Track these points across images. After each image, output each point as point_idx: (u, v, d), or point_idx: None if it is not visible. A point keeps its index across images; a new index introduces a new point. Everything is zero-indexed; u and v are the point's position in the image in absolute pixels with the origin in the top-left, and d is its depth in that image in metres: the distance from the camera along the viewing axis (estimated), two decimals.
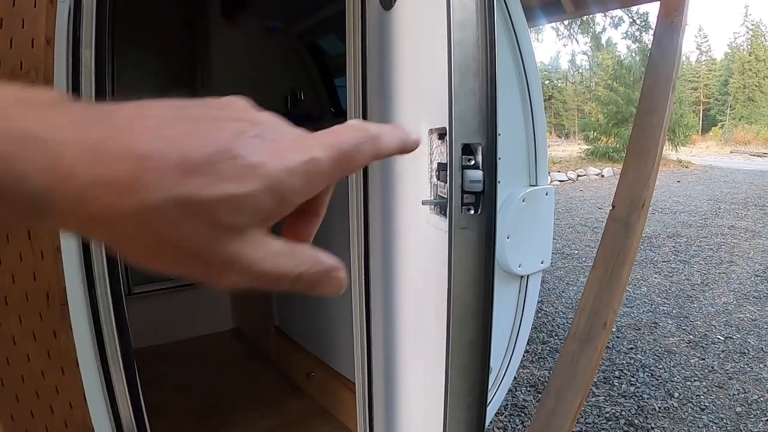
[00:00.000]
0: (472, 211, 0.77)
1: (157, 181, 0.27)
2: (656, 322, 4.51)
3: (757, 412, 3.06)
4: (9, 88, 0.29)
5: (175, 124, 0.30)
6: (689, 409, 3.13)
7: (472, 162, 0.77)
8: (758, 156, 23.45)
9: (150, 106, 0.31)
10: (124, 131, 0.29)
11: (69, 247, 1.27)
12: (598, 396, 3.31)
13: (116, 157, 0.27)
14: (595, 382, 3.44)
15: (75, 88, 1.47)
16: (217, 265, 0.30)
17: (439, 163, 0.82)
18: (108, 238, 0.29)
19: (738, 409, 3.10)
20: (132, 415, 1.43)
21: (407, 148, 0.40)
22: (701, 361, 3.76)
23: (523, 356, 2.17)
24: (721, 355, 3.84)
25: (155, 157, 0.28)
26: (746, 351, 3.89)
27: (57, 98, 0.30)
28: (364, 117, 1.19)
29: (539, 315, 4.66)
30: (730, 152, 26.66)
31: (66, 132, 0.27)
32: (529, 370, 3.67)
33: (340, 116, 3.48)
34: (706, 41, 48.47)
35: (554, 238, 6.50)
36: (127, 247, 0.30)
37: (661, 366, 3.72)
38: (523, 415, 3.11)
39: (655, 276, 5.80)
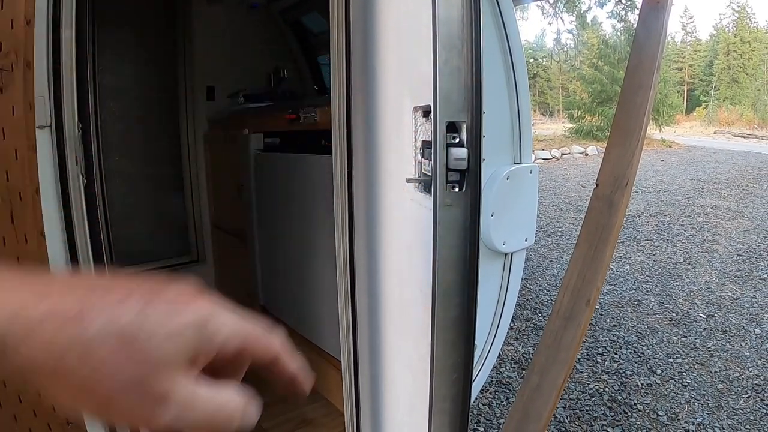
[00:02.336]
0: (457, 189, 0.77)
1: (98, 314, 0.33)
2: (639, 300, 4.56)
3: (738, 389, 3.12)
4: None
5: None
6: (671, 385, 3.18)
7: (457, 140, 0.77)
8: (741, 137, 23.57)
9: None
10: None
11: (53, 231, 1.26)
12: (582, 372, 3.36)
13: (63, 298, 0.33)
14: (578, 359, 3.48)
15: (55, 69, 1.44)
16: (151, 398, 0.34)
17: (423, 141, 0.82)
18: (49, 375, 0.33)
19: (719, 386, 3.15)
20: None
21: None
22: (683, 339, 3.81)
23: (508, 333, 2.19)
24: (703, 333, 3.90)
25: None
26: (728, 329, 3.94)
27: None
28: (348, 95, 1.18)
29: (523, 292, 4.70)
30: (714, 132, 26.75)
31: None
32: (513, 347, 3.71)
33: (323, 93, 3.46)
34: (692, 22, 48.32)
35: (538, 216, 6.54)
36: (66, 384, 0.33)
37: (643, 343, 3.77)
38: (507, 391, 3.15)
39: (638, 254, 5.85)
